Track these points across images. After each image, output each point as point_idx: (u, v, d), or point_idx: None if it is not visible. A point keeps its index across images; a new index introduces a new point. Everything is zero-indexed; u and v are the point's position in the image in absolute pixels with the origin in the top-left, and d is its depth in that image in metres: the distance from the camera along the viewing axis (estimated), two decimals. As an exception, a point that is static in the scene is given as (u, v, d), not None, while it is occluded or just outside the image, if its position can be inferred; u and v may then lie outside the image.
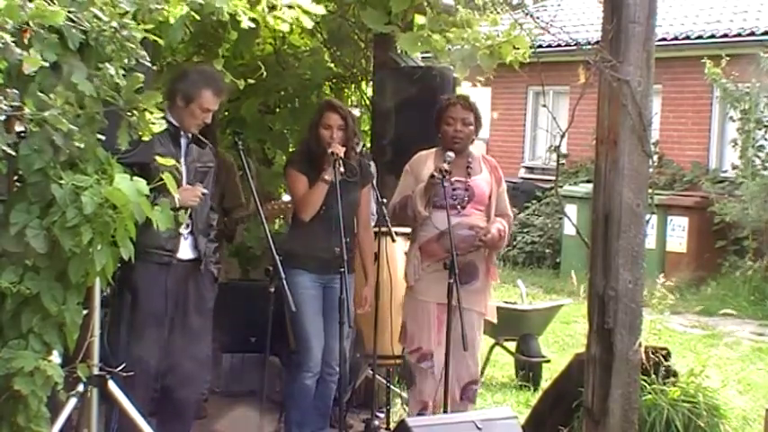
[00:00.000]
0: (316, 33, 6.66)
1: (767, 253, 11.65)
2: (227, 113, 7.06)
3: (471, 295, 4.93)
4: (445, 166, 4.84)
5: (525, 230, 14.19)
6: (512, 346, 7.40)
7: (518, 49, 5.61)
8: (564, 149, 14.65)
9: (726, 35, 13.36)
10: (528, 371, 7.33)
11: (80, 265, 3.43)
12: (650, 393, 4.83)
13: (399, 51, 6.39)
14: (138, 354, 4.37)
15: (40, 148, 3.28)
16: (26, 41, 3.19)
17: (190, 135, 4.63)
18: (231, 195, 5.85)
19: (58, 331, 3.53)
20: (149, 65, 3.54)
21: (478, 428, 4.08)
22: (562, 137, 5.24)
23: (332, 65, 7.23)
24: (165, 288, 4.51)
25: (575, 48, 5.18)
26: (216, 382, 6.21)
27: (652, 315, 5.35)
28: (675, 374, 4.99)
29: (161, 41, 3.65)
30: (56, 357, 3.59)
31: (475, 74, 6.12)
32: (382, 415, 5.86)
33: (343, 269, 4.93)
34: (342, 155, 5.03)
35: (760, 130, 12.06)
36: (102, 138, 3.44)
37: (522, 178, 15.83)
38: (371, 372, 5.64)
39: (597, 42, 4.58)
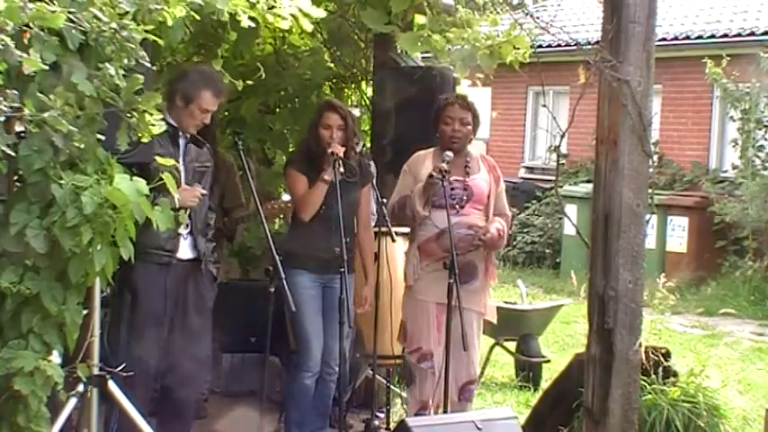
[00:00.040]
0: (316, 33, 6.66)
1: (767, 253, 11.65)
2: (227, 113, 7.06)
3: (470, 295, 4.93)
4: (444, 165, 4.84)
5: (525, 230, 14.19)
6: (512, 346, 7.40)
7: (518, 49, 5.61)
8: (564, 149, 14.65)
9: (726, 35, 13.36)
10: (528, 371, 7.32)
11: (80, 265, 3.43)
12: (650, 393, 4.83)
13: (399, 51, 6.39)
14: (137, 354, 4.37)
15: (39, 148, 3.29)
16: (26, 41, 3.19)
17: (188, 135, 4.63)
18: (231, 195, 5.85)
19: (58, 331, 3.53)
20: (149, 65, 3.54)
21: (478, 428, 4.08)
22: (562, 137, 5.24)
23: (332, 65, 7.23)
24: (164, 288, 4.51)
25: (575, 48, 5.18)
26: (216, 382, 6.21)
27: (652, 315, 5.35)
28: (675, 374, 5.00)
29: (161, 42, 3.65)
30: (56, 357, 3.59)
31: (474, 73, 6.12)
32: (382, 415, 5.86)
33: (343, 269, 4.93)
34: (341, 155, 5.04)
35: (760, 130, 12.07)
36: (102, 138, 3.44)
37: (522, 178, 15.83)
38: (371, 372, 5.64)
39: (597, 42, 4.58)
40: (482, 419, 4.16)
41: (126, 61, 3.38)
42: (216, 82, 4.62)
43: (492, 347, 7.37)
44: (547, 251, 13.88)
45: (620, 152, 4.42)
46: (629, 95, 4.37)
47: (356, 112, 6.94)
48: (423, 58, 6.76)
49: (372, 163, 5.55)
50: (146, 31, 3.42)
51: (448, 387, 4.86)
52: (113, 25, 3.32)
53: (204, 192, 4.61)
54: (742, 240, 12.00)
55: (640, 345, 4.53)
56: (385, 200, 5.34)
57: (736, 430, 5.19)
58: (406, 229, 5.27)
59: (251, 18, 4.60)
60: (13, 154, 3.23)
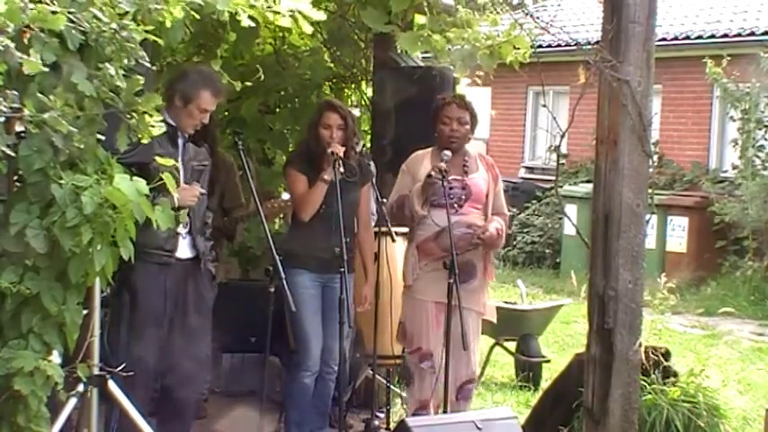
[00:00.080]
0: (316, 33, 6.66)
1: (767, 253, 11.65)
2: (227, 113, 7.07)
3: (469, 294, 4.93)
4: (443, 164, 4.85)
5: (525, 230, 14.19)
6: (512, 346, 7.40)
7: (518, 49, 5.61)
8: (564, 149, 14.65)
9: (726, 35, 13.36)
10: (528, 371, 7.32)
11: (80, 265, 3.43)
12: (650, 393, 4.83)
13: (399, 51, 6.39)
14: (137, 354, 4.37)
15: (39, 148, 3.29)
16: (26, 41, 3.19)
17: (187, 134, 4.63)
18: (231, 195, 5.85)
19: (58, 331, 3.53)
20: (149, 65, 3.54)
21: (478, 428, 4.08)
22: (562, 137, 5.24)
23: (332, 65, 7.22)
24: (164, 288, 4.51)
25: (575, 48, 5.18)
26: (216, 382, 6.21)
27: (652, 315, 5.35)
28: (675, 374, 5.00)
29: (161, 42, 3.65)
30: (56, 357, 3.59)
31: (474, 73, 6.13)
32: (382, 415, 5.86)
33: (343, 269, 4.93)
34: (341, 154, 5.04)
35: (760, 129, 12.07)
36: (102, 138, 3.44)
37: (522, 178, 15.83)
38: (371, 372, 5.64)
39: (597, 42, 4.58)
40: (482, 419, 4.16)
41: (126, 61, 3.38)
42: (215, 82, 4.62)
43: (492, 347, 7.38)
44: (547, 251, 13.88)
45: (620, 152, 4.42)
46: (629, 95, 4.37)
47: (356, 112, 6.94)
48: (423, 58, 6.76)
49: (372, 163, 5.55)
50: (146, 32, 3.42)
51: (448, 387, 4.86)
52: (113, 25, 3.32)
53: (203, 190, 4.61)
54: (742, 240, 12.00)
55: (640, 345, 4.53)
56: (385, 199, 5.35)
57: (736, 430, 5.20)
58: (406, 229, 5.27)
59: (251, 18, 4.60)
60: (12, 154, 3.23)
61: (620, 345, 4.46)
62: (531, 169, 16.37)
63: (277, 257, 4.62)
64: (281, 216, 6.23)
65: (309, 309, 5.13)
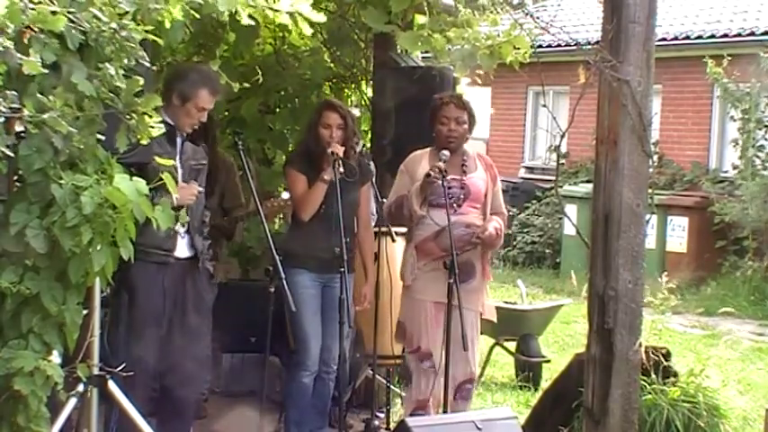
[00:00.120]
0: (316, 33, 6.65)
1: (767, 253, 11.65)
2: (227, 113, 7.07)
3: (468, 294, 4.92)
4: (441, 164, 4.84)
5: (525, 230, 14.19)
6: (512, 346, 7.40)
7: (518, 49, 5.60)
8: (564, 149, 14.65)
9: (726, 35, 13.36)
10: (528, 371, 7.32)
11: (80, 265, 3.43)
12: (650, 393, 4.83)
13: (399, 51, 6.39)
14: (137, 353, 4.37)
15: (39, 148, 3.29)
16: (26, 41, 3.19)
17: (185, 133, 4.63)
18: (231, 195, 5.85)
19: (58, 331, 3.53)
20: (149, 65, 3.54)
21: (478, 428, 4.08)
22: (562, 137, 5.24)
23: (332, 65, 7.22)
24: (163, 287, 4.51)
25: (575, 48, 5.18)
26: (216, 382, 6.21)
27: (652, 315, 5.35)
28: (675, 374, 5.00)
29: (160, 41, 3.64)
30: (56, 357, 3.59)
31: (474, 73, 6.12)
32: (382, 415, 5.86)
33: (342, 269, 4.93)
34: (341, 154, 5.03)
35: (760, 129, 12.07)
36: (102, 138, 3.44)
37: (522, 178, 15.83)
38: (371, 372, 5.64)
39: (597, 42, 4.58)
40: (482, 419, 4.16)
41: (126, 61, 3.38)
42: (212, 80, 4.61)
43: (492, 347, 7.38)
44: (547, 251, 13.88)
45: (620, 152, 4.42)
46: (629, 95, 4.37)
47: (356, 111, 6.94)
48: (423, 58, 6.76)
49: (372, 162, 5.54)
50: (145, 31, 3.42)
51: (448, 387, 4.86)
52: (113, 25, 3.32)
53: (201, 189, 4.61)
54: (742, 240, 12.00)
55: (640, 345, 4.53)
56: (385, 199, 5.35)
57: (737, 430, 5.20)
58: (406, 229, 5.27)
59: (250, 17, 4.59)
60: (12, 154, 3.23)
61: (620, 345, 4.46)
62: (531, 169, 16.37)
63: (277, 257, 4.62)
64: (281, 216, 6.23)
65: (309, 309, 5.13)
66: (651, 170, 4.56)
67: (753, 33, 13.06)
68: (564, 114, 12.49)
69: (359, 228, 5.36)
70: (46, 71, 3.20)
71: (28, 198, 3.38)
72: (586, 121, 6.06)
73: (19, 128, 3.29)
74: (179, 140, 4.61)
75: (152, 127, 3.41)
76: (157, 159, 3.70)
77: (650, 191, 4.57)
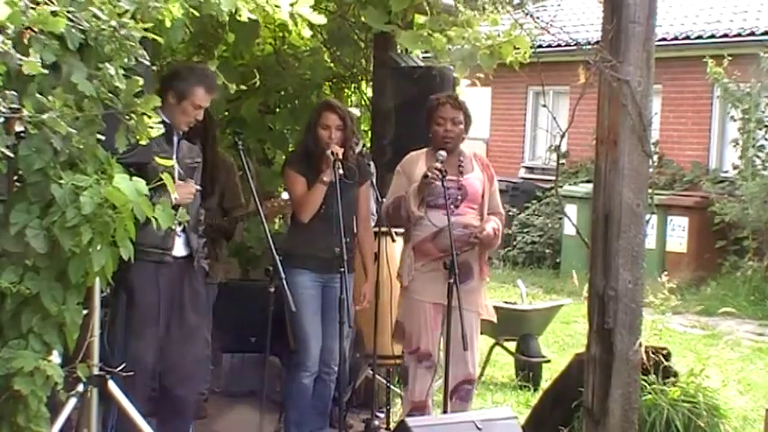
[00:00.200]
0: (316, 33, 6.66)
1: (767, 253, 11.65)
2: (227, 113, 7.07)
3: (467, 295, 4.92)
4: (438, 165, 4.84)
5: (525, 230, 14.18)
6: (512, 346, 7.40)
7: (518, 49, 5.61)
8: (564, 149, 14.65)
9: (726, 35, 13.36)
10: (528, 371, 7.32)
11: (80, 265, 3.43)
12: (650, 393, 4.83)
13: (399, 51, 6.39)
14: (136, 353, 4.37)
15: (39, 148, 3.29)
16: (26, 41, 3.19)
17: (181, 132, 4.63)
18: (231, 195, 5.85)
19: (58, 331, 3.53)
20: (149, 64, 3.54)
21: (478, 428, 4.07)
22: (562, 137, 5.24)
23: (332, 65, 7.22)
24: (160, 286, 4.52)
25: (575, 48, 5.18)
26: (216, 382, 6.22)
27: (652, 315, 5.35)
28: (675, 374, 5.00)
29: (160, 40, 3.64)
30: (56, 357, 3.59)
31: (474, 73, 6.12)
32: (382, 415, 5.86)
33: (342, 269, 4.93)
34: (341, 155, 5.02)
35: (761, 129, 12.07)
36: (102, 138, 3.44)
37: (522, 178, 15.83)
38: (371, 372, 5.64)
39: (597, 42, 4.58)
40: (482, 419, 4.16)
41: (126, 60, 3.38)
42: (208, 79, 4.61)
43: (492, 347, 7.38)
44: (547, 251, 13.88)
45: (620, 152, 4.42)
46: (629, 95, 4.37)
47: (356, 111, 6.94)
48: (423, 58, 6.76)
49: (372, 163, 5.54)
50: (145, 30, 3.41)
51: (448, 387, 4.86)
52: (112, 23, 3.32)
53: (198, 187, 4.61)
54: (742, 240, 12.00)
55: (640, 345, 4.53)
56: (384, 200, 5.34)
57: (737, 430, 5.20)
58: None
59: (250, 18, 4.59)
60: (12, 155, 3.23)
61: (620, 345, 4.46)
62: (531, 169, 16.36)
63: (277, 257, 4.62)
64: (281, 216, 6.23)
65: (309, 309, 5.13)
66: (651, 170, 4.56)
67: (753, 33, 13.05)
68: (564, 114, 12.49)
69: (358, 227, 5.36)
70: (46, 71, 3.19)
71: (28, 198, 3.38)
72: (586, 121, 6.06)
73: (19, 128, 3.29)
74: (175, 139, 4.61)
75: (151, 127, 3.41)
76: (157, 159, 3.70)
77: (650, 191, 4.57)
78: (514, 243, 14.01)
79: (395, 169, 5.25)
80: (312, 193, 5.10)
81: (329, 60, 7.22)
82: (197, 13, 3.83)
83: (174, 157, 4.52)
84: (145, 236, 3.96)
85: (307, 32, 4.24)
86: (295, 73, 7.08)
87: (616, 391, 4.47)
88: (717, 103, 13.53)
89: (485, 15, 6.05)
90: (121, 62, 3.36)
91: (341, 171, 5.00)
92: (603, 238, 4.48)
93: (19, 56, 3.11)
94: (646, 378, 4.79)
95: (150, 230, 3.69)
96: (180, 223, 4.04)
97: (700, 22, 14.28)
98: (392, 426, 5.51)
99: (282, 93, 7.24)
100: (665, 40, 13.07)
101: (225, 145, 6.19)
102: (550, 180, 14.35)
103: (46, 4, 3.23)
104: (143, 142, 3.46)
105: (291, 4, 4.25)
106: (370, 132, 6.91)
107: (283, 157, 7.12)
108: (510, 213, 13.74)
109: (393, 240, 5.50)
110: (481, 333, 5.47)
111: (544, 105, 6.54)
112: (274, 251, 4.64)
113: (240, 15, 4.01)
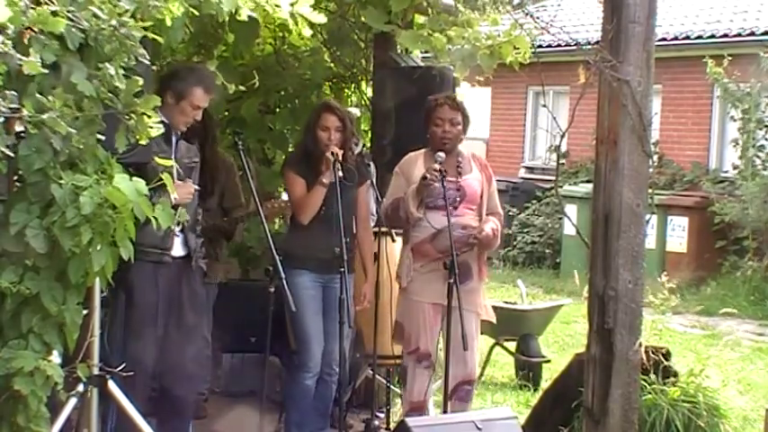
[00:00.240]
0: (316, 33, 6.66)
1: (767, 253, 11.65)
2: (227, 113, 7.06)
3: (466, 295, 4.91)
4: (436, 166, 4.84)
5: (525, 230, 14.18)
6: (512, 346, 7.40)
7: (518, 49, 5.61)
8: (564, 149, 14.65)
9: (726, 35, 13.36)
10: (528, 371, 7.32)
11: (80, 265, 3.43)
12: (650, 393, 4.83)
13: (399, 51, 6.39)
14: (134, 353, 4.37)
15: (39, 148, 3.29)
16: (26, 41, 3.19)
17: (179, 132, 4.63)
18: (231, 195, 5.85)
19: (58, 331, 3.53)
20: (149, 63, 3.54)
21: (478, 428, 4.07)
22: (562, 137, 5.24)
23: (332, 65, 7.22)
24: (159, 286, 4.52)
25: (575, 48, 5.18)
26: (216, 382, 6.22)
27: (652, 315, 5.35)
28: (675, 374, 5.00)
29: (160, 40, 3.64)
30: (56, 357, 3.59)
31: (474, 74, 6.12)
32: (382, 415, 5.86)
33: (343, 269, 4.92)
34: (340, 157, 5.02)
35: (761, 129, 12.07)
36: (102, 138, 3.44)
37: (522, 178, 15.83)
38: (371, 372, 5.64)
39: (597, 42, 4.58)
40: (482, 419, 4.16)
41: (126, 60, 3.38)
42: (207, 79, 4.61)
43: (492, 347, 7.38)
44: (547, 251, 13.87)
45: (620, 152, 4.42)
46: (629, 95, 4.37)
47: (356, 111, 6.94)
48: (423, 58, 6.76)
49: (372, 163, 5.53)
50: (145, 29, 3.41)
51: (448, 387, 4.86)
52: (113, 22, 3.32)
53: (197, 187, 4.61)
54: (742, 240, 12.00)
55: (640, 345, 4.53)
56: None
57: (737, 430, 5.19)
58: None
59: (250, 16, 4.59)
60: (12, 154, 3.23)
61: (620, 345, 4.46)
62: (531, 169, 16.36)
63: (277, 257, 4.62)
64: (281, 216, 6.23)
65: (310, 310, 5.13)
66: (651, 170, 4.56)
67: (753, 33, 13.05)
68: (564, 114, 12.49)
69: (357, 228, 5.36)
70: (46, 71, 3.19)
71: (28, 198, 3.38)
72: (586, 121, 6.06)
73: (19, 128, 3.29)
74: (174, 139, 4.61)
75: (151, 127, 3.41)
76: (157, 160, 3.70)
77: (650, 191, 4.57)
78: (514, 243, 14.01)
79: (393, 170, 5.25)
80: (312, 195, 5.10)
81: (329, 60, 7.21)
82: (197, 13, 3.83)
83: (173, 157, 4.52)
84: (144, 236, 3.96)
85: (307, 32, 4.23)
86: (295, 73, 7.08)
87: (616, 391, 4.47)
88: (717, 103, 13.53)
89: (485, 15, 6.06)
90: (121, 62, 3.36)
91: (340, 173, 4.99)
92: (603, 238, 4.48)
93: (19, 56, 3.12)
94: (646, 378, 4.79)
95: (149, 231, 3.69)
96: (179, 223, 4.05)
97: (700, 22, 14.28)
98: (392, 426, 5.51)
99: (282, 93, 7.23)
100: (665, 40, 13.07)
101: (225, 145, 6.19)
102: (550, 180, 14.35)
103: (46, 4, 3.23)
104: (143, 142, 3.46)
105: (292, 4, 4.25)
106: (370, 132, 6.91)
107: (283, 157, 7.12)
108: (510, 213, 13.75)
109: (393, 240, 5.50)
110: (481, 333, 5.47)
111: (544, 105, 6.54)
112: (274, 251, 4.64)
113: (240, 15, 4.00)
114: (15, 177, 3.50)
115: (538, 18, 5.00)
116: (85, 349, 3.90)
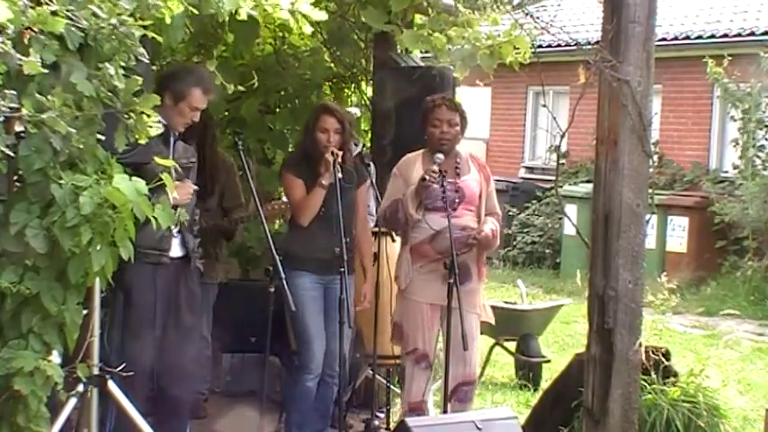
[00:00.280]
0: (316, 33, 6.66)
1: (767, 253, 11.65)
2: (227, 113, 7.07)
3: (466, 296, 4.91)
4: (435, 167, 4.83)
5: (525, 230, 14.18)
6: (512, 346, 7.40)
7: (518, 49, 5.61)
8: (564, 149, 14.65)
9: (726, 35, 13.36)
10: (528, 371, 7.32)
11: (80, 265, 3.43)
12: (650, 393, 4.83)
13: (399, 51, 6.39)
14: (133, 353, 4.37)
15: (39, 148, 3.29)
16: (26, 41, 3.19)
17: (177, 133, 4.63)
18: (231, 195, 5.85)
19: (58, 331, 3.53)
20: (148, 62, 3.54)
21: (478, 428, 4.08)
22: (562, 137, 5.24)
23: (332, 65, 7.22)
24: (157, 287, 4.52)
25: (575, 48, 5.18)
26: (216, 382, 6.22)
27: (653, 315, 5.35)
28: (675, 374, 5.00)
29: (160, 39, 3.64)
30: (56, 357, 3.59)
31: (475, 75, 6.12)
32: (382, 415, 5.86)
33: (343, 269, 4.92)
34: (340, 158, 5.01)
35: (761, 129, 12.07)
36: (102, 138, 3.44)
37: (522, 178, 15.82)
38: (371, 372, 5.64)
39: (597, 42, 4.58)
40: (482, 419, 4.16)
41: (125, 59, 3.38)
42: (205, 80, 4.61)
43: (492, 347, 7.38)
44: (547, 251, 13.88)
45: (620, 152, 4.42)
46: (629, 95, 4.37)
47: (356, 111, 6.94)
48: (423, 58, 6.76)
49: (372, 163, 5.53)
50: (144, 28, 3.41)
51: (447, 387, 4.86)
52: (112, 21, 3.32)
53: (195, 187, 4.61)
54: (742, 240, 12.00)
55: (640, 345, 4.53)
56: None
57: (737, 430, 5.19)
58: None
59: (250, 17, 4.59)
60: (12, 154, 3.23)
61: (620, 345, 4.46)
62: (531, 169, 16.36)
63: (277, 257, 4.62)
64: (281, 217, 6.23)
65: (312, 311, 5.12)
66: (651, 170, 4.56)
67: (753, 33, 13.05)
68: (564, 114, 12.48)
69: (356, 228, 5.36)
70: (45, 71, 3.19)
71: (28, 198, 3.38)
72: (586, 121, 6.06)
73: (19, 128, 3.29)
74: (172, 140, 4.61)
75: (150, 126, 3.41)
76: (157, 160, 3.70)
77: (650, 191, 4.57)
78: (514, 243, 14.01)
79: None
80: (311, 197, 5.09)
81: (329, 60, 7.21)
82: (196, 12, 3.82)
83: (170, 157, 4.52)
84: (143, 237, 3.96)
85: (307, 29, 4.22)
86: (295, 73, 7.08)
87: (616, 391, 4.47)
88: (717, 103, 13.53)
89: (485, 15, 6.04)
90: (121, 61, 3.36)
91: (340, 174, 4.99)
92: (603, 238, 4.48)
93: (19, 56, 3.11)
94: (646, 378, 4.79)
95: (148, 232, 3.69)
96: (177, 224, 4.05)
97: (700, 22, 14.29)
98: (392, 426, 5.51)
99: (282, 93, 7.23)
100: (665, 40, 13.07)
101: (225, 145, 6.19)
102: (550, 180, 14.35)
103: (46, 4, 3.23)
104: (142, 142, 3.46)
105: (292, 3, 4.25)
106: (370, 132, 6.91)
107: (283, 157, 7.12)
108: (510, 213, 13.75)
109: (393, 240, 5.50)
110: (481, 333, 5.46)
111: (544, 105, 6.54)
112: (274, 251, 4.64)
113: (240, 14, 4.00)
114: (15, 177, 3.50)
115: (538, 18, 5.01)
116: (85, 349, 3.90)
